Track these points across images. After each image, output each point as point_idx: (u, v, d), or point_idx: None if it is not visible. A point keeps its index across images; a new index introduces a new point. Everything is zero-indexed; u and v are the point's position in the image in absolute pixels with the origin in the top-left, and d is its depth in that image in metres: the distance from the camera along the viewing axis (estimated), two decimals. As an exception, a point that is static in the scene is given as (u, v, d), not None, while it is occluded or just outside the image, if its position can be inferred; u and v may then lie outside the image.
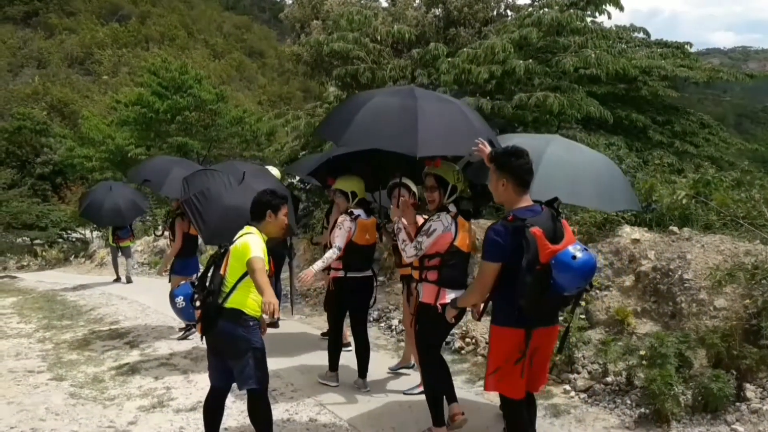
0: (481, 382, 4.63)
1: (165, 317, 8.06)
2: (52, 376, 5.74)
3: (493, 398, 4.20)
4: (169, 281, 7.18)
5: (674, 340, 4.31)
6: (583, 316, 5.22)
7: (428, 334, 3.85)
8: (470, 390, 5.01)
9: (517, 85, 8.61)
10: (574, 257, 2.76)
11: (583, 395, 4.66)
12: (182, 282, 3.65)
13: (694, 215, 6.09)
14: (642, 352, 4.32)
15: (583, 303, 5.40)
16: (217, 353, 3.67)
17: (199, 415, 4.32)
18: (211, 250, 13.62)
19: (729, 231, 5.75)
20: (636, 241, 5.72)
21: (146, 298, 9.79)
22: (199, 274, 3.58)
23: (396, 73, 9.45)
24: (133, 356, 6.37)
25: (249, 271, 3.50)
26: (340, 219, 4.82)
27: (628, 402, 4.42)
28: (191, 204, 5.15)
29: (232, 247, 3.57)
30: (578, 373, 4.93)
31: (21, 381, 5.65)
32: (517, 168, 2.97)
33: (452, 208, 3.82)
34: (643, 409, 4.26)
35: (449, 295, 3.65)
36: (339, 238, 4.71)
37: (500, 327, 3.03)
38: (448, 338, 5.90)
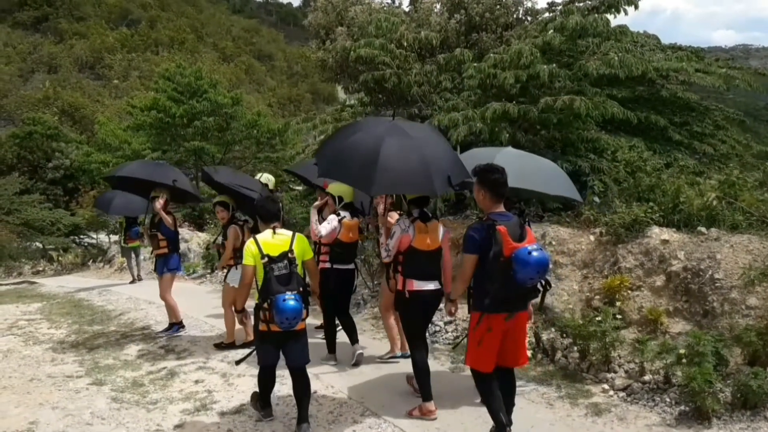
0: None
1: (196, 321, 8.10)
2: (91, 381, 5.75)
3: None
4: (161, 276, 7.40)
5: (710, 338, 4.37)
6: (619, 316, 5.31)
7: (405, 316, 4.62)
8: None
9: (540, 89, 8.67)
10: (530, 253, 3.42)
11: (621, 394, 4.69)
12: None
13: (720, 216, 6.18)
14: (681, 351, 4.35)
15: (618, 303, 5.54)
16: (294, 338, 4.14)
17: (245, 418, 4.64)
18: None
19: (755, 231, 5.85)
20: (665, 241, 5.83)
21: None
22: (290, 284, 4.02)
23: (421, 77, 9.59)
24: (170, 360, 6.39)
25: (311, 272, 4.40)
26: (330, 217, 5.77)
27: (667, 400, 4.47)
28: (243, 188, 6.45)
29: (295, 246, 4.15)
30: (615, 372, 5.00)
31: (61, 386, 5.63)
32: (494, 182, 3.70)
33: (415, 213, 4.48)
34: (683, 407, 4.30)
35: (416, 284, 4.39)
36: (324, 229, 5.63)
37: (474, 312, 3.69)
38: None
